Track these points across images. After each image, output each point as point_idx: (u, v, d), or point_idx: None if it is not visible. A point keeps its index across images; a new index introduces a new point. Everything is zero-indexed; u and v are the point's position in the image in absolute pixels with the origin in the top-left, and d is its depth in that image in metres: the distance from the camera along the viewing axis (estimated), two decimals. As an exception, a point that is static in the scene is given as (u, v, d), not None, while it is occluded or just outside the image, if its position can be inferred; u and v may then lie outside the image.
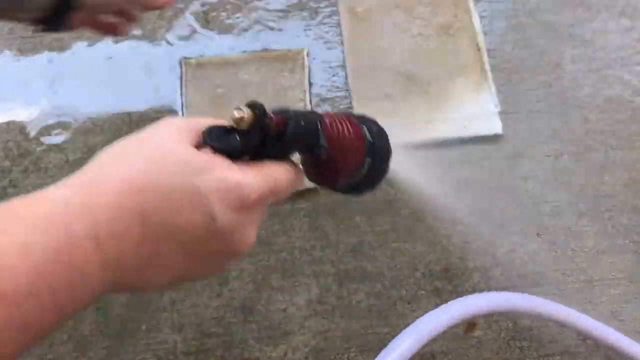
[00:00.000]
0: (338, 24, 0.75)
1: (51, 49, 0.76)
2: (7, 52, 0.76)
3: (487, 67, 0.70)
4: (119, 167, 0.25)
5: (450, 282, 0.60)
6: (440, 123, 0.67)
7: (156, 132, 0.27)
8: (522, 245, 0.61)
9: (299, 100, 0.70)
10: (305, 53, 0.74)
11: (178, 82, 0.72)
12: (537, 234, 0.62)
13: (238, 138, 0.28)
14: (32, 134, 0.70)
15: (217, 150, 0.28)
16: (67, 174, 0.25)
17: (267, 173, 0.29)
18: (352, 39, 0.73)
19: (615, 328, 0.51)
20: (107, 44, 0.76)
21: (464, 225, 0.62)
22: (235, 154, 0.28)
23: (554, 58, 0.72)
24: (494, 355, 0.57)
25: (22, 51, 0.76)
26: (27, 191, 0.73)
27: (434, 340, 0.57)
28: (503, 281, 0.59)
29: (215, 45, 0.75)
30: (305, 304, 0.59)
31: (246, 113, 0.28)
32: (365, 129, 0.33)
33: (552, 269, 0.60)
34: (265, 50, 0.74)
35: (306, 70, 0.72)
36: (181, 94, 0.72)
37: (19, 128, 0.70)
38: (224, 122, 0.29)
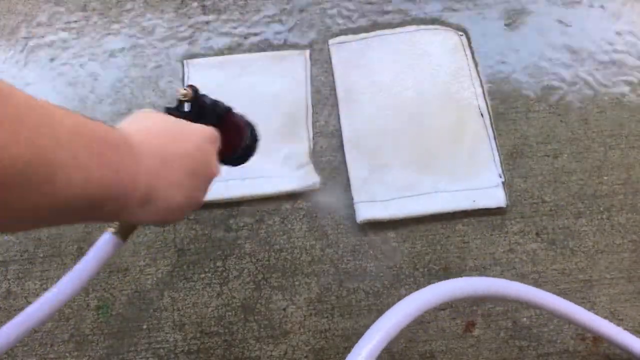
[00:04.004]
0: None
1: (54, 49, 0.76)
2: (10, 53, 0.76)
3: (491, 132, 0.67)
4: (141, 124, 0.38)
5: (449, 281, 0.60)
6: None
7: (147, 113, 0.41)
8: (521, 244, 0.61)
9: (300, 99, 0.71)
10: (307, 54, 0.74)
11: (180, 82, 0.72)
12: (536, 233, 0.62)
13: (186, 108, 0.45)
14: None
15: (178, 117, 0.43)
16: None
17: (209, 127, 0.44)
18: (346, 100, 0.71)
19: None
20: (109, 44, 0.76)
21: (463, 224, 0.63)
22: (189, 117, 0.43)
23: (550, 55, 0.72)
24: (493, 354, 0.57)
25: (25, 51, 0.76)
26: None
27: (433, 339, 0.57)
28: (502, 280, 0.59)
29: (217, 45, 0.75)
30: (305, 303, 0.60)
31: (188, 90, 0.45)
32: (249, 126, 0.52)
33: (550, 269, 0.60)
34: (267, 50, 0.75)
35: (307, 71, 0.73)
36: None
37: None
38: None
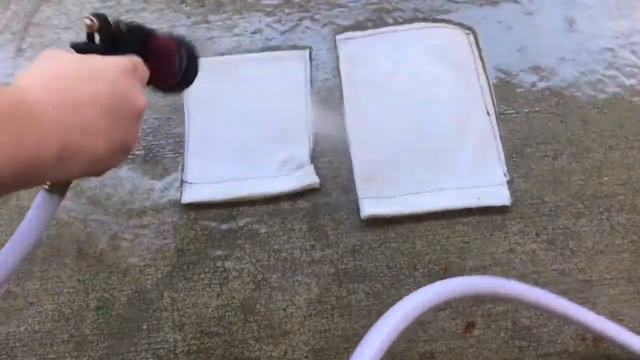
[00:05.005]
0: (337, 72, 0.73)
1: (50, 48, 0.76)
2: (6, 52, 0.76)
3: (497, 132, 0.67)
4: (44, 67, 0.35)
5: (449, 281, 0.60)
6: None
7: (53, 52, 0.37)
8: (521, 245, 0.61)
9: (300, 99, 0.71)
10: (307, 54, 0.74)
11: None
12: (536, 233, 0.62)
13: (97, 41, 0.41)
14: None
15: (88, 51, 0.39)
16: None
17: (127, 57, 0.40)
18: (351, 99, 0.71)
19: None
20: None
21: (463, 224, 0.63)
22: (101, 50, 0.39)
23: (552, 56, 0.72)
24: (493, 354, 0.57)
25: (21, 50, 0.76)
26: (27, 191, 0.72)
27: (433, 340, 0.57)
28: (502, 281, 0.59)
29: (216, 45, 0.75)
30: (305, 304, 0.60)
31: (94, 20, 0.40)
32: (183, 46, 0.47)
33: (550, 269, 0.60)
34: (266, 50, 0.75)
35: (307, 71, 0.73)
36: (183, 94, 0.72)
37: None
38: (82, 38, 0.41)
